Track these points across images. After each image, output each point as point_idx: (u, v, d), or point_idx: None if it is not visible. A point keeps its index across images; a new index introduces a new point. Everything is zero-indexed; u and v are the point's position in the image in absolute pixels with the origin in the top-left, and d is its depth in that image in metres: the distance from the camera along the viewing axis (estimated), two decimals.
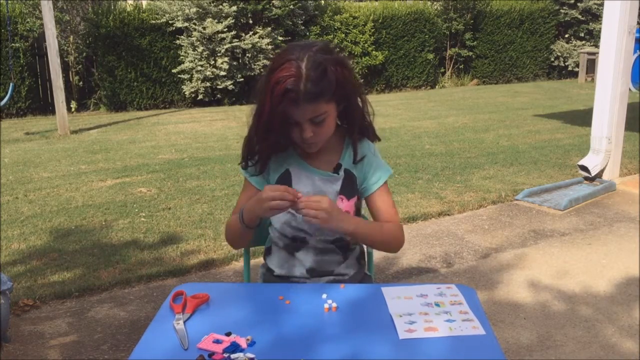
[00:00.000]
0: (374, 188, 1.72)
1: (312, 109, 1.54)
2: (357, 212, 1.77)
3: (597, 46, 11.31)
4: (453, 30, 12.48)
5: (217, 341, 1.29)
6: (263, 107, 1.56)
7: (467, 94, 11.27)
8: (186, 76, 9.94)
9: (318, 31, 10.82)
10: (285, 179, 1.70)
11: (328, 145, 1.69)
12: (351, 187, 1.71)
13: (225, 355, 1.24)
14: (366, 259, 1.92)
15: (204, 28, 9.60)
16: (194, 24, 9.73)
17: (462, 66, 13.03)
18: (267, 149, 1.66)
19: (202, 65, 9.76)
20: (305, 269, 1.73)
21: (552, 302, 3.03)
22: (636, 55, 9.29)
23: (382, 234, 1.70)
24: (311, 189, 1.69)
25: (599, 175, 5.00)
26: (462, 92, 11.71)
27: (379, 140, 1.78)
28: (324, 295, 1.49)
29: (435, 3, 12.59)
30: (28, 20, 9.29)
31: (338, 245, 1.74)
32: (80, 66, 10.18)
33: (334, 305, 1.44)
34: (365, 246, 1.86)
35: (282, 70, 1.50)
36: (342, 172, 1.70)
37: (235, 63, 9.91)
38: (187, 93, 10.04)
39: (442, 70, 12.89)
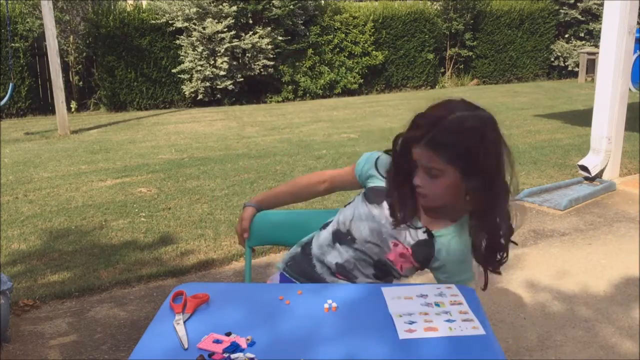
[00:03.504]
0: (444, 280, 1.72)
1: (428, 155, 1.49)
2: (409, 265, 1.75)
3: (597, 46, 11.30)
4: (453, 30, 12.47)
5: (217, 341, 1.29)
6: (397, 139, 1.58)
7: (467, 94, 11.20)
8: (186, 76, 9.93)
9: (318, 31, 10.81)
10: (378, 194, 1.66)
11: (444, 211, 1.61)
12: (420, 253, 1.67)
13: (225, 355, 1.24)
14: None
15: (204, 28, 9.60)
16: (194, 24, 9.73)
17: (462, 66, 13.02)
18: (403, 192, 1.59)
19: (202, 65, 9.76)
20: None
21: (552, 302, 3.03)
22: (636, 55, 9.29)
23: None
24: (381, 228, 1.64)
25: (599, 175, 5.00)
26: (462, 92, 11.70)
27: (499, 274, 1.69)
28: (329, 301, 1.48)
29: (435, 3, 12.58)
30: (28, 20, 9.28)
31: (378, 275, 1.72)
32: (80, 66, 10.17)
33: (334, 305, 1.44)
34: None
35: (434, 108, 1.52)
36: (424, 233, 1.62)
37: (235, 63, 9.91)
38: (187, 93, 10.03)
39: (442, 70, 12.88)
